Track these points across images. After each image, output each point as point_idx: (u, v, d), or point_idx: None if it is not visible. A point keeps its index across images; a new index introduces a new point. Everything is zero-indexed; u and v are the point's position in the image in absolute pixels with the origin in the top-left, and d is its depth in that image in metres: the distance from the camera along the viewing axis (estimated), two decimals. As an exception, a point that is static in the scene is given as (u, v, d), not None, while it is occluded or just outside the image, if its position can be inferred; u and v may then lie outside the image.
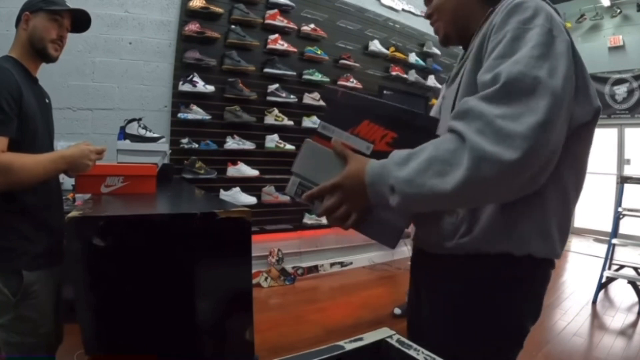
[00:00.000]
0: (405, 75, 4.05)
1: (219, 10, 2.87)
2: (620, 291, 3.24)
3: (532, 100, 0.57)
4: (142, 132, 2.38)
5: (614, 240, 3.18)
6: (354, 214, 0.70)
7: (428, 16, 0.88)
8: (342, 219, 0.71)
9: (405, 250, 4.03)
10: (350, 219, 0.70)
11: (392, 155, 0.66)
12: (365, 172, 0.67)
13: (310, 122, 3.38)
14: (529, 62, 0.59)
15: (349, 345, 0.47)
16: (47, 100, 1.32)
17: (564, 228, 0.73)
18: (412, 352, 0.46)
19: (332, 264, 3.73)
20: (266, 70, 3.14)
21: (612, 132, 5.62)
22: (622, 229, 3.29)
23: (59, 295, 1.27)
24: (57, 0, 1.22)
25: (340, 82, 3.57)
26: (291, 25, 3.20)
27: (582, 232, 5.87)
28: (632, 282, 3.06)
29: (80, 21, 1.30)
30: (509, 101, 0.58)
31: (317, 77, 3.40)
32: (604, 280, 3.09)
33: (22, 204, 1.14)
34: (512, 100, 0.58)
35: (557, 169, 0.63)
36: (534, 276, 0.73)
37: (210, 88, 2.84)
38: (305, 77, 3.37)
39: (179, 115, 2.79)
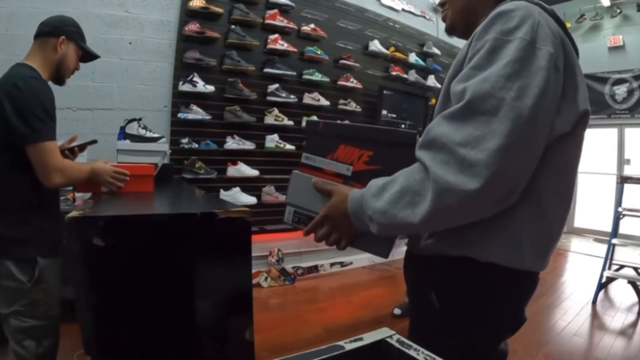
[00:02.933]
0: (405, 75, 4.06)
1: (219, 10, 2.87)
2: (620, 291, 3.24)
3: (494, 122, 0.56)
4: (142, 132, 2.39)
5: (614, 240, 3.17)
6: (344, 239, 0.76)
7: (441, 4, 0.89)
8: (336, 244, 0.77)
9: (405, 250, 4.02)
10: (342, 243, 0.76)
11: (369, 185, 0.69)
12: (348, 202, 0.71)
13: (310, 122, 3.38)
14: (498, 82, 0.58)
15: (349, 345, 0.47)
16: None
17: (540, 238, 0.69)
18: (412, 352, 0.46)
19: (332, 264, 3.73)
20: (266, 70, 3.14)
21: (612, 132, 5.62)
22: (622, 229, 3.29)
23: (61, 284, 1.36)
24: (84, 37, 1.38)
25: (340, 82, 3.57)
26: (291, 25, 3.20)
27: (582, 232, 5.87)
28: (632, 282, 3.06)
29: (89, 58, 1.44)
30: (470, 121, 0.58)
31: (317, 77, 3.40)
32: (604, 280, 3.09)
33: (39, 200, 1.26)
34: (474, 121, 0.58)
35: (533, 180, 0.63)
36: (500, 284, 0.70)
37: (210, 88, 2.84)
38: (305, 77, 3.37)
39: (179, 115, 2.79)
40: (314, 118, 3.39)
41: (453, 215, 0.61)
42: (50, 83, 1.32)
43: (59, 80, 1.35)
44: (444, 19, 0.89)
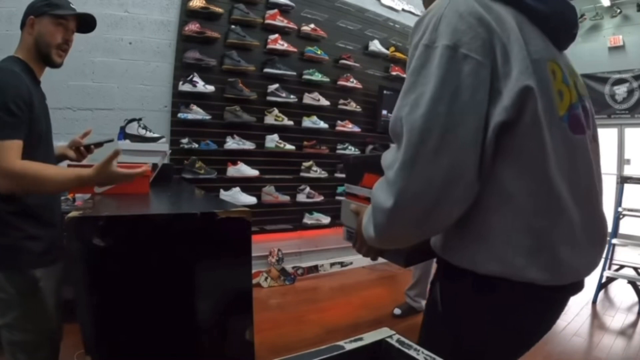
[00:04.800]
0: (405, 75, 4.05)
1: (219, 10, 2.87)
2: (620, 291, 3.24)
3: (401, 142, 0.60)
4: (142, 132, 2.39)
5: (614, 240, 3.17)
6: (371, 251, 0.84)
7: None
8: (367, 255, 0.86)
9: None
10: (371, 254, 0.85)
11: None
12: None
13: (310, 122, 3.38)
14: (399, 104, 0.61)
15: (349, 345, 0.47)
16: (46, 102, 1.32)
17: (531, 246, 0.61)
18: (412, 352, 0.46)
19: (332, 264, 3.73)
20: (266, 70, 3.14)
21: (612, 132, 5.61)
22: (622, 229, 3.29)
23: (60, 291, 1.27)
24: (62, 3, 1.21)
25: (340, 82, 3.57)
26: (291, 25, 3.20)
27: (582, 232, 5.86)
28: (632, 282, 3.06)
29: (85, 22, 1.29)
30: (393, 146, 0.65)
31: (317, 77, 3.40)
32: (604, 280, 3.09)
33: (25, 204, 1.15)
34: (394, 146, 0.64)
35: (498, 179, 0.60)
36: (493, 299, 0.65)
37: (210, 88, 2.84)
38: (305, 77, 3.37)
39: (179, 115, 2.79)
40: (314, 118, 3.40)
41: (389, 231, 0.64)
42: (48, 70, 1.25)
43: (48, 60, 1.22)
44: None
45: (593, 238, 0.68)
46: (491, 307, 0.66)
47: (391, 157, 0.61)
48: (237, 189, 3.03)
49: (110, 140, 1.52)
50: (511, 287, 0.63)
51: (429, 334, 0.78)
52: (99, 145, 1.47)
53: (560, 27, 0.69)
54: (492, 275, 0.63)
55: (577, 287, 0.70)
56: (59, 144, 1.44)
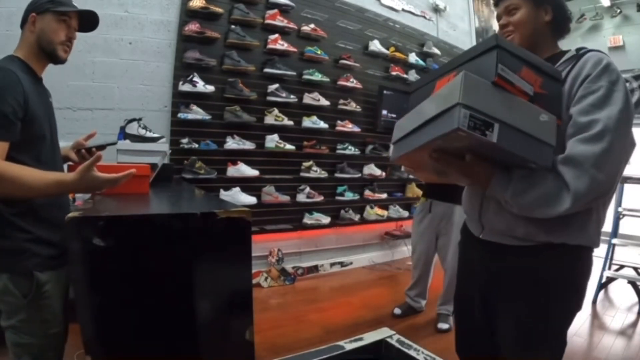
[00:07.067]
0: (405, 75, 4.05)
1: (219, 10, 2.87)
2: (620, 291, 3.25)
3: (613, 151, 0.82)
4: (142, 132, 2.39)
5: (614, 240, 3.17)
6: (458, 179, 1.02)
7: (502, 26, 1.05)
8: (444, 174, 1.01)
9: (405, 250, 4.03)
10: (450, 177, 1.00)
11: (512, 186, 0.89)
12: (491, 183, 0.92)
13: (310, 122, 3.38)
14: (617, 123, 0.84)
15: (349, 345, 0.47)
16: (50, 99, 1.30)
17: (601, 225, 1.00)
18: (412, 352, 0.46)
19: (332, 264, 3.73)
20: (266, 70, 3.14)
21: (612, 132, 5.62)
22: (622, 229, 3.29)
23: (67, 294, 1.24)
24: (65, 0, 1.20)
25: (340, 82, 3.58)
26: (291, 25, 3.20)
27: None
28: (632, 282, 3.06)
29: (88, 20, 1.27)
30: (597, 145, 0.82)
31: (317, 77, 3.40)
32: (604, 280, 3.09)
33: (30, 206, 1.11)
34: (603, 144, 0.82)
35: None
36: (586, 262, 1.05)
37: (210, 88, 2.84)
38: (305, 77, 3.37)
39: (179, 115, 2.79)
40: (314, 118, 3.40)
41: (588, 196, 0.84)
42: (48, 70, 1.23)
43: (52, 57, 1.20)
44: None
45: None
46: (586, 265, 1.06)
47: (600, 158, 0.82)
48: (237, 189, 3.03)
49: (113, 143, 1.51)
50: (590, 252, 1.03)
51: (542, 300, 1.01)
52: (101, 148, 1.44)
53: None
54: (587, 246, 0.98)
55: None
56: (63, 145, 1.43)
